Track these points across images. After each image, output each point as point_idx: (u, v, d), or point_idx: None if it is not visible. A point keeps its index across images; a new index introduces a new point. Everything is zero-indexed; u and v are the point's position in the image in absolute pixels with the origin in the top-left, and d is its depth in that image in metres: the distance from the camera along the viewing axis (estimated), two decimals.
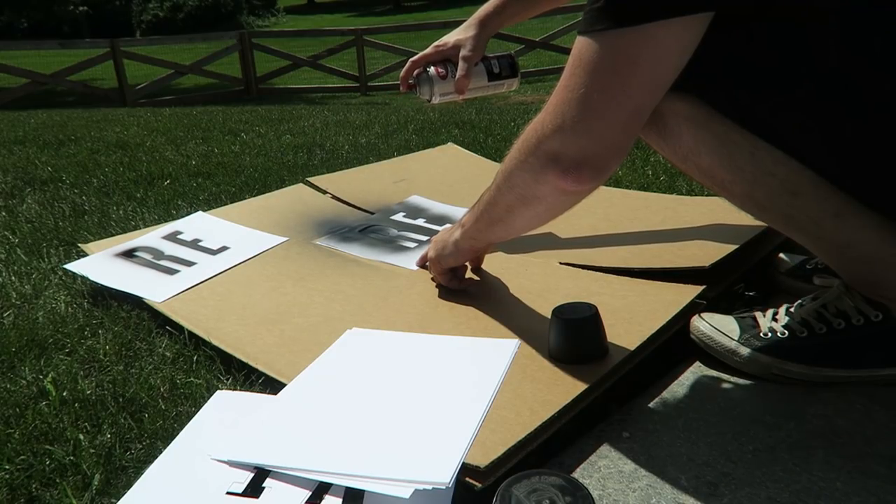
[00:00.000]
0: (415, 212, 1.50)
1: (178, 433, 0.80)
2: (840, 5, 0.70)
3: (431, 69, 1.18)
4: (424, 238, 1.34)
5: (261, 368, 0.91)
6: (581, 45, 0.75)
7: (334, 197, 1.60)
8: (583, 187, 0.81)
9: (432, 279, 1.14)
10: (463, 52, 1.17)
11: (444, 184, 1.68)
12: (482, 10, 1.20)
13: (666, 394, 0.86)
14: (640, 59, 0.73)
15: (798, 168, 0.78)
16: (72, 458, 0.77)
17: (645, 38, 0.72)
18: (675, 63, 0.74)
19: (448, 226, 1.12)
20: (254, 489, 0.70)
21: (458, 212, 1.44)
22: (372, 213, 1.50)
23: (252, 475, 0.71)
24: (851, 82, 0.72)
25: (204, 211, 1.51)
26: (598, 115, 0.75)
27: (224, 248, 1.31)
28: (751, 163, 0.79)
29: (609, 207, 1.42)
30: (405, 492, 0.65)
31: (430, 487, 0.66)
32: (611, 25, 0.72)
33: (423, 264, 1.19)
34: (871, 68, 0.71)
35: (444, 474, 0.67)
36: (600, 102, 0.75)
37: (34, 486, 0.73)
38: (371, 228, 1.41)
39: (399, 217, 1.47)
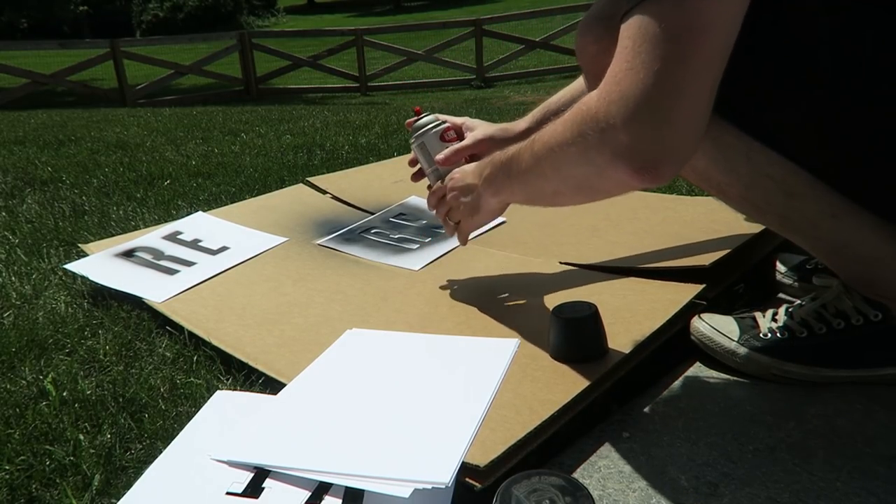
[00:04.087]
0: (415, 212, 1.50)
1: (178, 433, 0.80)
2: (831, 6, 0.70)
3: (446, 124, 1.12)
4: (426, 239, 1.34)
5: (261, 368, 0.91)
6: (641, 21, 0.66)
7: (334, 197, 1.60)
8: (661, 182, 0.70)
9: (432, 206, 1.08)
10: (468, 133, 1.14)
11: None
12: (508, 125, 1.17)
13: (666, 394, 0.86)
14: (712, 22, 0.65)
15: (794, 169, 0.78)
16: (72, 458, 0.77)
17: None
18: (738, 25, 0.66)
19: (464, 169, 1.02)
20: (254, 489, 0.70)
21: None
22: (372, 214, 1.50)
23: (252, 475, 0.71)
24: (845, 84, 0.72)
25: (204, 211, 1.51)
26: (678, 94, 0.65)
27: (224, 249, 1.31)
28: (746, 165, 0.79)
29: (609, 207, 1.42)
30: (405, 491, 0.65)
31: (429, 487, 0.66)
32: None
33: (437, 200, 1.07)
34: (865, 69, 0.71)
35: (443, 474, 0.67)
36: (678, 78, 0.65)
37: (34, 486, 0.73)
38: (371, 229, 1.41)
39: (399, 218, 1.47)
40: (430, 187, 1.12)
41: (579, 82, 1.23)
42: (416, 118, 1.12)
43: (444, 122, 1.12)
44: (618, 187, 0.74)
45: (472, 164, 1.00)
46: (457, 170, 1.03)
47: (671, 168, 0.68)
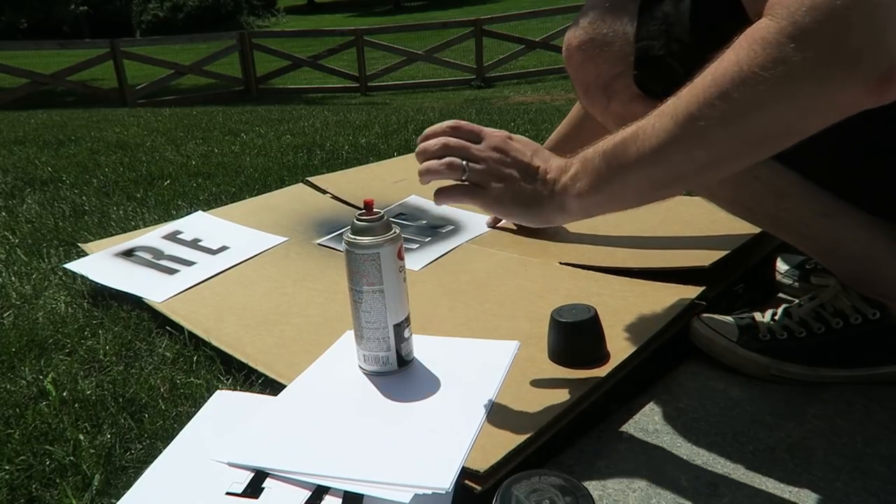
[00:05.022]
0: (415, 212, 1.50)
1: (178, 433, 0.80)
2: None
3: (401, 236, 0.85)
4: (426, 239, 1.34)
5: (260, 369, 0.91)
6: None
7: (334, 197, 1.60)
8: None
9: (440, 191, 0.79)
10: None
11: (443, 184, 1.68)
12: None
13: (666, 394, 0.86)
14: None
15: (781, 170, 0.78)
16: (72, 458, 0.77)
17: None
18: None
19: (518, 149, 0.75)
20: (253, 490, 0.70)
21: (458, 212, 1.44)
22: None
23: (251, 476, 0.71)
24: None
25: (204, 211, 1.51)
26: None
27: (224, 248, 1.31)
28: None
29: None
30: (405, 497, 0.65)
31: (429, 492, 0.66)
32: None
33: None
34: None
35: (443, 479, 0.67)
36: None
37: (34, 486, 0.73)
38: None
39: (399, 218, 1.46)
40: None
41: (576, 109, 1.25)
42: (365, 213, 0.84)
43: (398, 231, 0.85)
44: (837, 113, 0.58)
45: (539, 153, 0.75)
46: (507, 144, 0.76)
47: None
